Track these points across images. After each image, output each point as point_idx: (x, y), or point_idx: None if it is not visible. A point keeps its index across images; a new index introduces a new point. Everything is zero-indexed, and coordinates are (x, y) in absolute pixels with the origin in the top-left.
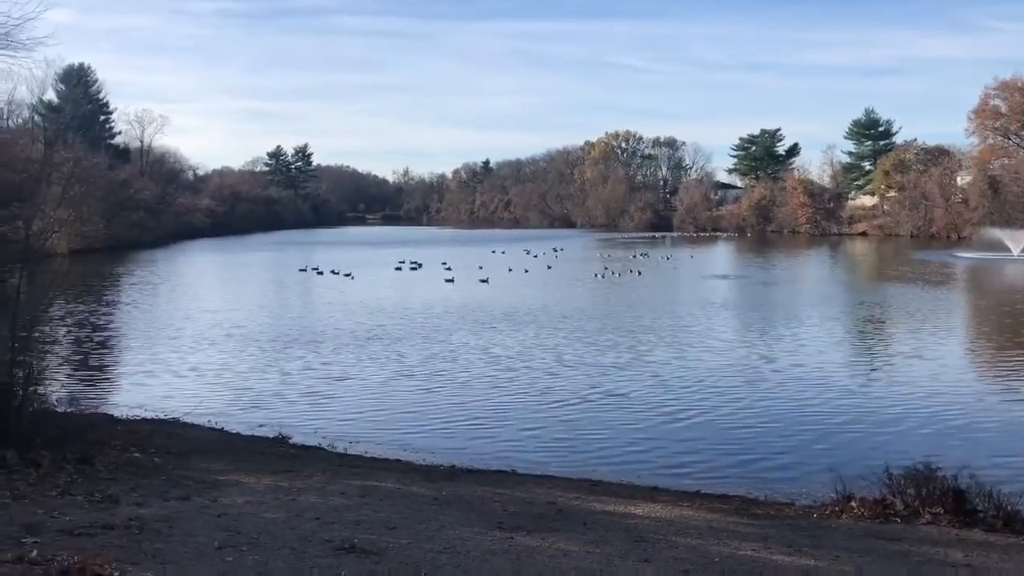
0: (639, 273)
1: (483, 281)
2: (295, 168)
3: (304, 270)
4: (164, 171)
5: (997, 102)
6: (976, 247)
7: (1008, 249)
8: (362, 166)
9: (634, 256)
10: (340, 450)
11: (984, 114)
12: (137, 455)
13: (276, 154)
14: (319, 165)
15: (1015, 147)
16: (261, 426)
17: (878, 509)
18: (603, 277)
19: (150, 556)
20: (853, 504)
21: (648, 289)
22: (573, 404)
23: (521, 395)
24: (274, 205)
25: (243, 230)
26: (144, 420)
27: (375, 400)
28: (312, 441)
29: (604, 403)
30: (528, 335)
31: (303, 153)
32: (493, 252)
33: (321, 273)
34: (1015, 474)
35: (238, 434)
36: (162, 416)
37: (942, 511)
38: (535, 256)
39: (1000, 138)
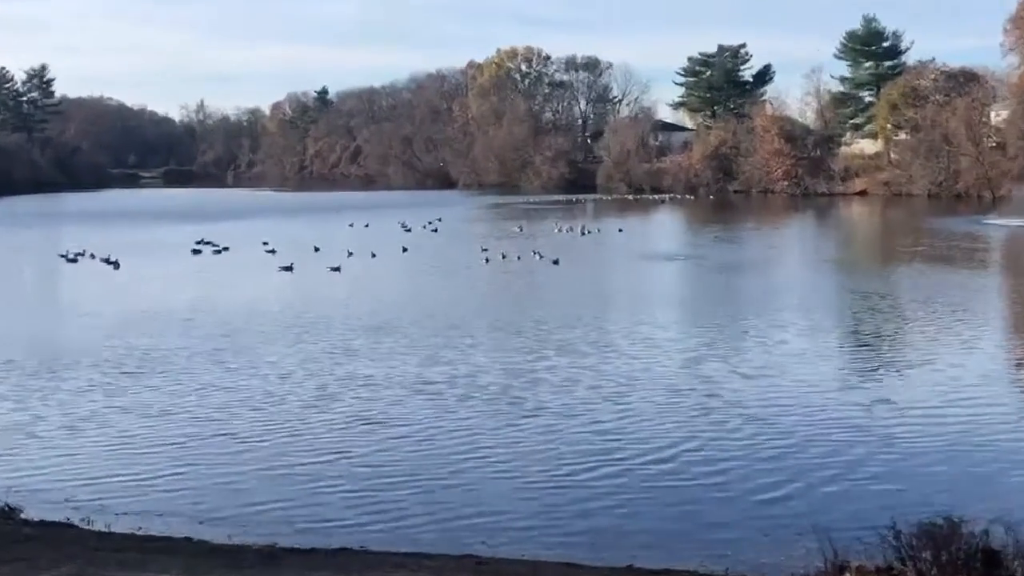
0: (540, 256)
1: (334, 269)
2: (28, 101)
3: (66, 256)
4: None
5: None
6: (1017, 210)
7: None
8: (133, 98)
9: (559, 230)
10: (100, 527)
11: None
12: None
13: None
14: (66, 97)
15: None
16: None
17: None
18: (496, 260)
19: None
20: None
21: (561, 279)
22: (463, 452)
23: (379, 440)
24: None
25: None
26: None
27: (154, 453)
28: (57, 515)
29: (508, 448)
30: (395, 352)
31: (40, 78)
32: (351, 225)
33: (75, 260)
34: None
35: None
36: None
37: None
38: (408, 230)
39: None
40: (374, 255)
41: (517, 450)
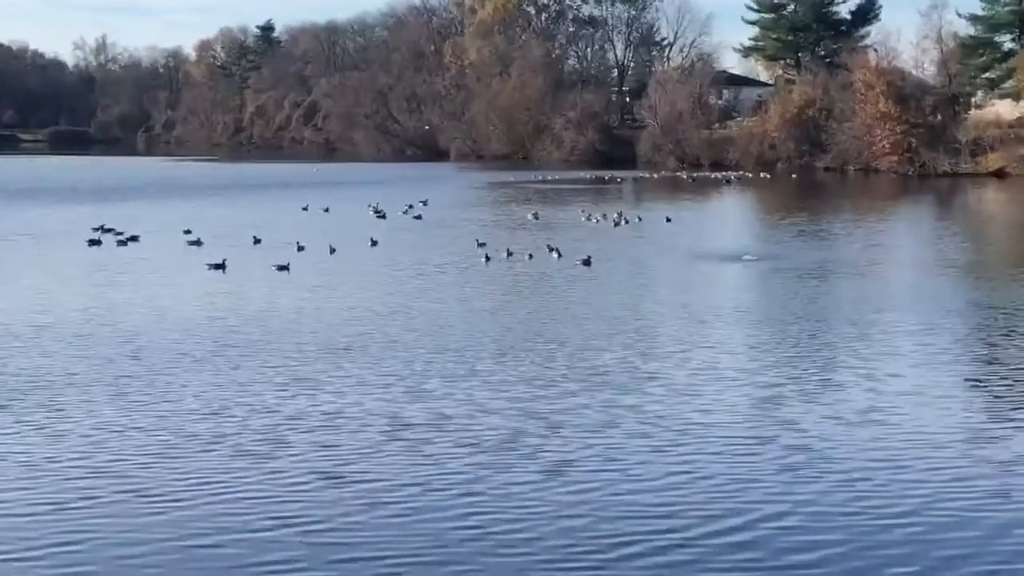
0: (559, 255)
1: (281, 268)
2: None
3: None
4: None
5: None
6: None
7: None
8: (10, 34)
9: (588, 218)
10: None
11: None
12: None
13: None
14: None
15: None
16: None
17: None
18: (499, 258)
19: None
20: None
21: (590, 285)
22: (457, 523)
23: (343, 505)
24: None
25: None
26: None
27: (35, 519)
28: None
29: (521, 519)
30: (363, 382)
31: None
32: (304, 209)
33: None
34: None
35: None
36: None
37: None
38: (382, 216)
39: None
40: (334, 250)
41: (533, 522)
